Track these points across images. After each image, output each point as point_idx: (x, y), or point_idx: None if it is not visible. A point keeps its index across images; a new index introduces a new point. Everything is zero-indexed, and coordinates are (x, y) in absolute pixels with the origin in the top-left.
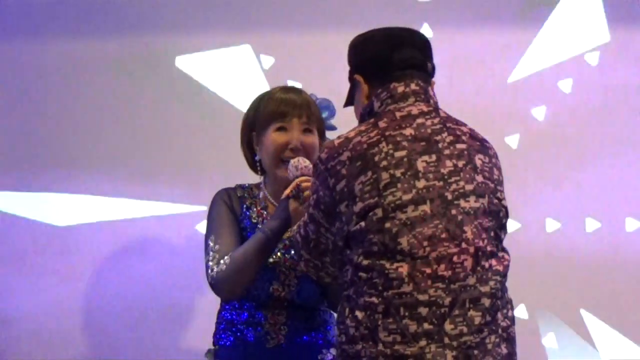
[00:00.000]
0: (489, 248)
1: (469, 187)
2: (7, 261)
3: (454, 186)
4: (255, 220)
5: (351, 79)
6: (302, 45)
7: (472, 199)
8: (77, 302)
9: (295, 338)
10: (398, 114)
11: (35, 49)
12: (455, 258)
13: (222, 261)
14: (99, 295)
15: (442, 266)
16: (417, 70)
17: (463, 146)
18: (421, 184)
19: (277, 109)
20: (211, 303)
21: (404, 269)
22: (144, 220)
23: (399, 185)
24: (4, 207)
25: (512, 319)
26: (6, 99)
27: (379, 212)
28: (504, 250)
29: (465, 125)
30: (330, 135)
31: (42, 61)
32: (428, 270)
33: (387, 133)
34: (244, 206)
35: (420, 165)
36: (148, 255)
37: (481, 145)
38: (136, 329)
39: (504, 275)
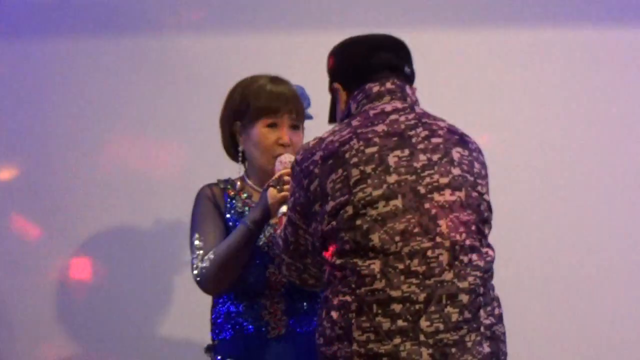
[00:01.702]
0: (467, 242)
1: (444, 180)
2: (7, 261)
3: (427, 180)
4: (240, 210)
5: (331, 89)
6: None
7: (447, 192)
8: (78, 301)
9: (297, 327)
10: (371, 112)
11: (37, 47)
12: (429, 252)
13: (206, 257)
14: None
15: (416, 261)
16: (393, 72)
17: (439, 140)
18: (392, 178)
19: (269, 104)
20: (202, 299)
21: (376, 265)
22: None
23: (369, 181)
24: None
25: (499, 317)
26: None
27: (350, 209)
28: (488, 246)
29: (443, 121)
30: (307, 124)
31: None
32: (401, 266)
33: (358, 131)
34: (228, 198)
35: (391, 160)
36: (149, 253)
37: (460, 139)
38: (137, 329)
39: (486, 270)
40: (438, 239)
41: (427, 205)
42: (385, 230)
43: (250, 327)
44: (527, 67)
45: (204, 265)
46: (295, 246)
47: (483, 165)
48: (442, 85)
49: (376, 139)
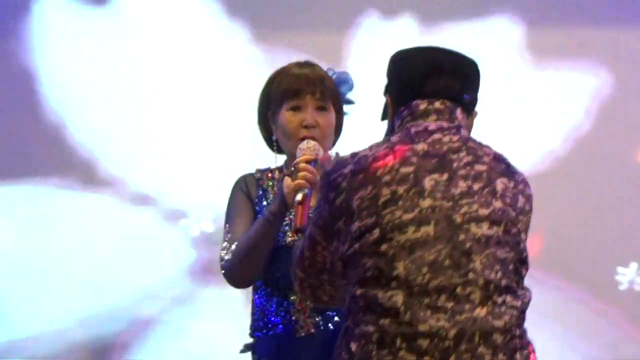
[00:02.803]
0: (503, 282)
1: (484, 211)
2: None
3: (465, 209)
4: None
5: (384, 93)
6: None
7: (485, 225)
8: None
9: (325, 326)
10: (413, 129)
11: None
12: (459, 290)
13: (230, 250)
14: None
15: (443, 297)
16: (448, 99)
17: (483, 167)
18: (426, 203)
19: (289, 87)
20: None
21: (398, 297)
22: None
23: (400, 202)
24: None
25: None
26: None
27: (376, 232)
28: (524, 288)
29: (490, 148)
30: (348, 109)
31: None
32: (426, 300)
33: (396, 147)
34: (261, 189)
35: (427, 183)
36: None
37: (506, 168)
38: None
39: (522, 311)
40: (470, 276)
41: (461, 237)
42: (412, 259)
43: (280, 326)
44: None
45: (227, 257)
46: (311, 262)
47: (528, 199)
48: None
49: (414, 159)
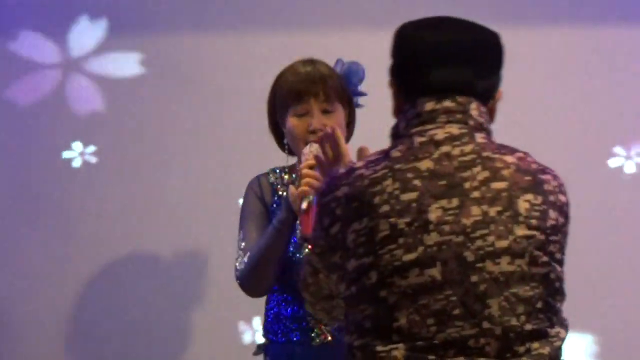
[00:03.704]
0: (528, 327)
1: (502, 243)
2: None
3: (478, 243)
4: None
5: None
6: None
7: (504, 260)
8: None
9: (341, 335)
10: (417, 140)
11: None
12: (471, 342)
13: (243, 260)
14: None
15: (451, 352)
16: (459, 93)
17: (501, 185)
18: (432, 239)
19: (291, 92)
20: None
21: (398, 352)
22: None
23: (400, 240)
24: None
25: None
26: None
27: (373, 275)
28: (560, 323)
29: (515, 152)
30: (363, 101)
31: None
32: (431, 357)
33: (396, 166)
34: (276, 196)
35: (433, 213)
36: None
37: (532, 180)
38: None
39: (551, 358)
40: (485, 325)
41: (474, 279)
42: (415, 309)
43: (296, 333)
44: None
45: (241, 267)
46: (316, 289)
47: (561, 210)
48: None
49: (417, 182)
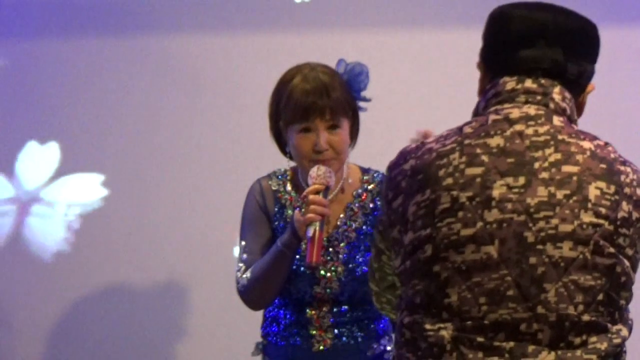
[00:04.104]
0: (585, 318)
1: (566, 227)
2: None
3: (541, 224)
4: (290, 220)
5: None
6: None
7: (567, 245)
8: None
9: (342, 341)
10: (492, 117)
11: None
12: (522, 327)
13: (246, 275)
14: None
15: (501, 335)
16: (546, 74)
17: (573, 169)
18: (492, 215)
19: (298, 110)
20: None
21: (446, 332)
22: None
23: (460, 214)
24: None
25: None
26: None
27: (429, 249)
28: (624, 321)
29: (595, 139)
30: (366, 106)
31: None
32: (480, 339)
33: (466, 141)
34: (278, 204)
35: (497, 189)
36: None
37: (608, 168)
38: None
39: (606, 355)
40: (540, 310)
41: (532, 260)
42: (468, 286)
43: (297, 338)
44: None
45: (243, 282)
46: (381, 275)
47: (637, 204)
48: (443, 86)
49: (484, 157)
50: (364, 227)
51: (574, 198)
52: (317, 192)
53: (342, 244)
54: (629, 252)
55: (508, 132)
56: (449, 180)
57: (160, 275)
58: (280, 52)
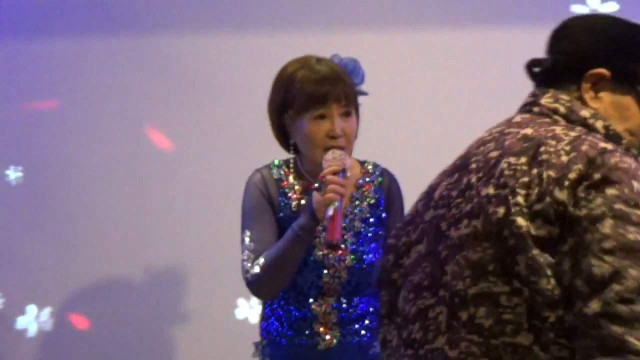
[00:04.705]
0: (472, 290)
1: (467, 207)
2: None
3: (453, 211)
4: (295, 209)
5: None
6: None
7: (464, 223)
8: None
9: (349, 339)
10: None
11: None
12: (430, 312)
13: (257, 263)
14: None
15: (417, 325)
16: (538, 77)
17: (495, 154)
18: (429, 215)
19: (314, 96)
20: None
21: (389, 332)
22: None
23: (417, 219)
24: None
25: None
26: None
27: (391, 258)
28: (516, 292)
29: (551, 127)
30: (361, 100)
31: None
32: (404, 334)
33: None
34: (282, 195)
35: (438, 191)
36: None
37: (530, 145)
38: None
39: (493, 334)
40: (441, 292)
41: (440, 247)
42: (407, 288)
43: (301, 338)
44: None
45: (254, 271)
46: None
47: (550, 166)
48: (443, 86)
49: (448, 168)
50: (368, 216)
51: (484, 179)
52: (334, 173)
53: (349, 233)
54: (536, 207)
55: (472, 143)
56: (420, 197)
57: (160, 275)
58: (281, 52)
